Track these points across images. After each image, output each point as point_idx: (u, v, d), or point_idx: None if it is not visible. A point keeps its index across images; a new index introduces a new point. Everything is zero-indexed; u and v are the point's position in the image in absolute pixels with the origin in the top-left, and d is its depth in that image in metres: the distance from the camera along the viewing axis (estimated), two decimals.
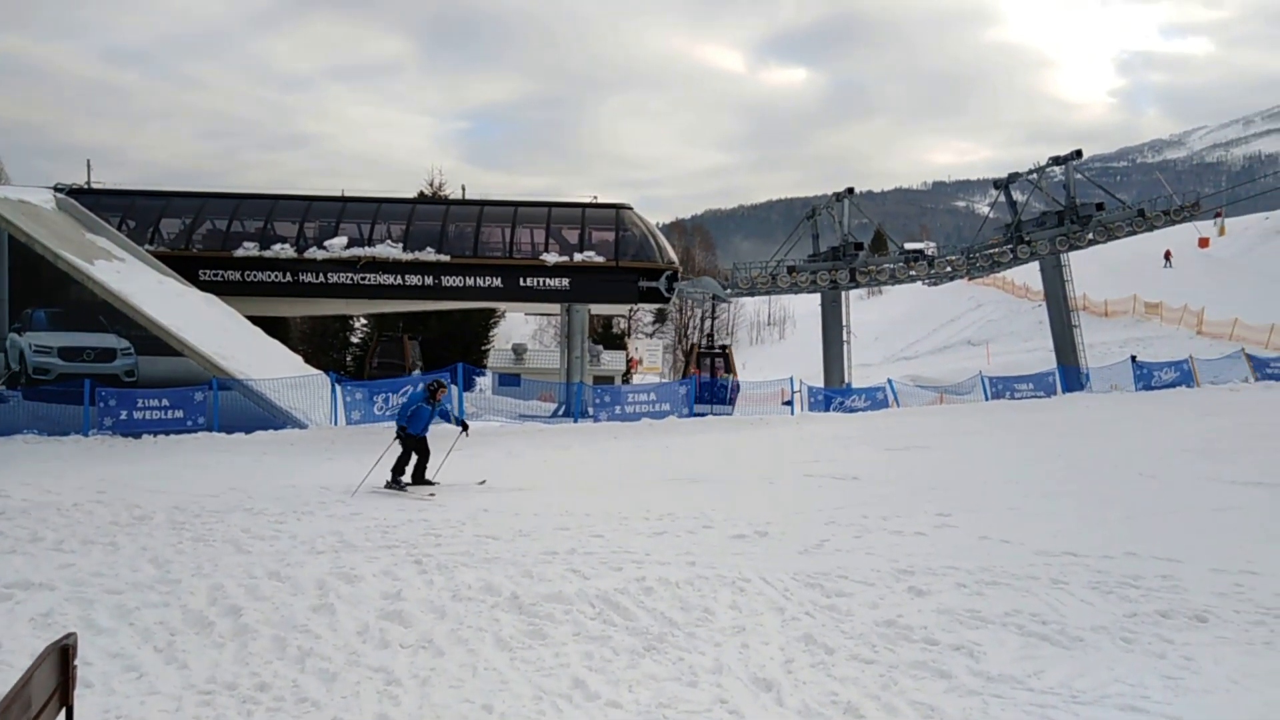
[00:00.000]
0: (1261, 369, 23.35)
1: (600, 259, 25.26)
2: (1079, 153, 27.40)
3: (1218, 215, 57.57)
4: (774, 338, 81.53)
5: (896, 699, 4.66)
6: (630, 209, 26.66)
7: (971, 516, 8.93)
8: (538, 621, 5.76)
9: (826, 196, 30.74)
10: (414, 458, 11.19)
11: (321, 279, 24.99)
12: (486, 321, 44.16)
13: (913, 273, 29.16)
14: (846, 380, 29.61)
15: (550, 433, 17.76)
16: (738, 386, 23.37)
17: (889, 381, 23.71)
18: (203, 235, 25.87)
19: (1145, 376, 23.21)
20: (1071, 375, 24.83)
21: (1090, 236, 26.93)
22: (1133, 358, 24.70)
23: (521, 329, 62.89)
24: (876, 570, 6.91)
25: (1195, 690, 4.69)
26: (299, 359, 22.46)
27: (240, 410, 16.97)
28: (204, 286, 22.48)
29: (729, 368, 27.01)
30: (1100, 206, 27.19)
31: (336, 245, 24.85)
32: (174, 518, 8.95)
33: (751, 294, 30.19)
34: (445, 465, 11.45)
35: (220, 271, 24.53)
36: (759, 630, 5.64)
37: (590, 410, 19.62)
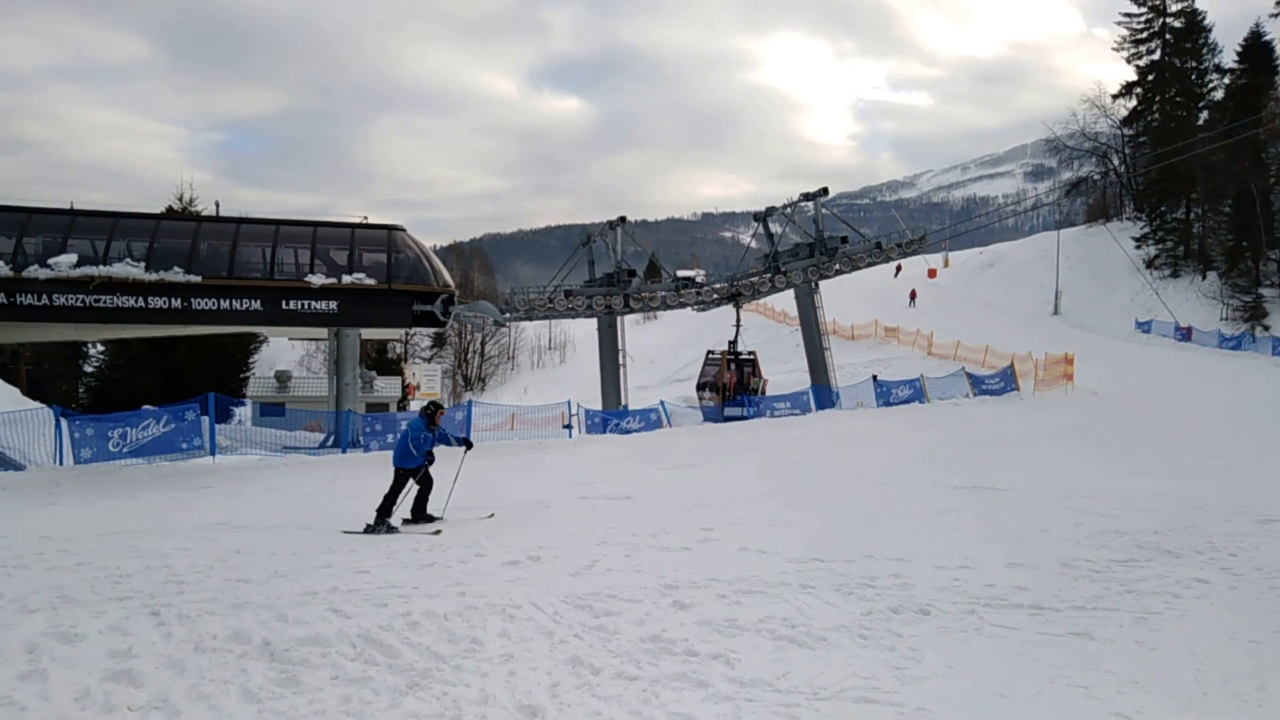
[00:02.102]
0: (978, 385, 26.55)
1: (371, 281, 24.33)
2: (825, 190, 29.97)
3: (944, 248, 65.16)
4: (555, 361, 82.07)
5: (656, 712, 4.82)
6: (403, 230, 25.93)
7: (733, 530, 9.42)
8: (291, 668, 5.40)
9: (602, 224, 31.56)
10: (407, 491, 10.40)
11: (45, 301, 22.17)
12: (246, 347, 41.15)
13: (682, 299, 30.48)
14: (623, 402, 30.39)
15: (316, 465, 16.81)
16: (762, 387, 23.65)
17: (661, 403, 24.59)
18: None
19: (885, 394, 25.67)
20: (823, 394, 26.96)
21: (837, 267, 29.50)
22: (874, 377, 27.25)
23: (288, 355, 59.13)
24: (644, 587, 7.12)
25: (918, 678, 5.21)
26: (15, 391, 19.76)
27: None
28: None
29: (756, 372, 26.68)
30: (845, 239, 29.86)
31: (64, 263, 22.17)
32: None
33: (529, 318, 30.31)
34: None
35: None
36: (527, 656, 5.62)
37: (361, 439, 18.76)
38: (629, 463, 16.95)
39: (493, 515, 10.80)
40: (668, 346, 66.46)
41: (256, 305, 23.70)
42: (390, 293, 24.53)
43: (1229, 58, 58.13)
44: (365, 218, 26.63)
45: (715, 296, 31.42)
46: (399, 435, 11.63)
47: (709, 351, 28.03)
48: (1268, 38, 57.48)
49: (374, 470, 15.92)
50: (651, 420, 23.48)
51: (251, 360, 43.99)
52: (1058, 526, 9.29)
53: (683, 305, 32.16)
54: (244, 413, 33.27)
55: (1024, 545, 8.45)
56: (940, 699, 4.85)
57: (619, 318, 30.79)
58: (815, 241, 29.78)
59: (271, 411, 33.84)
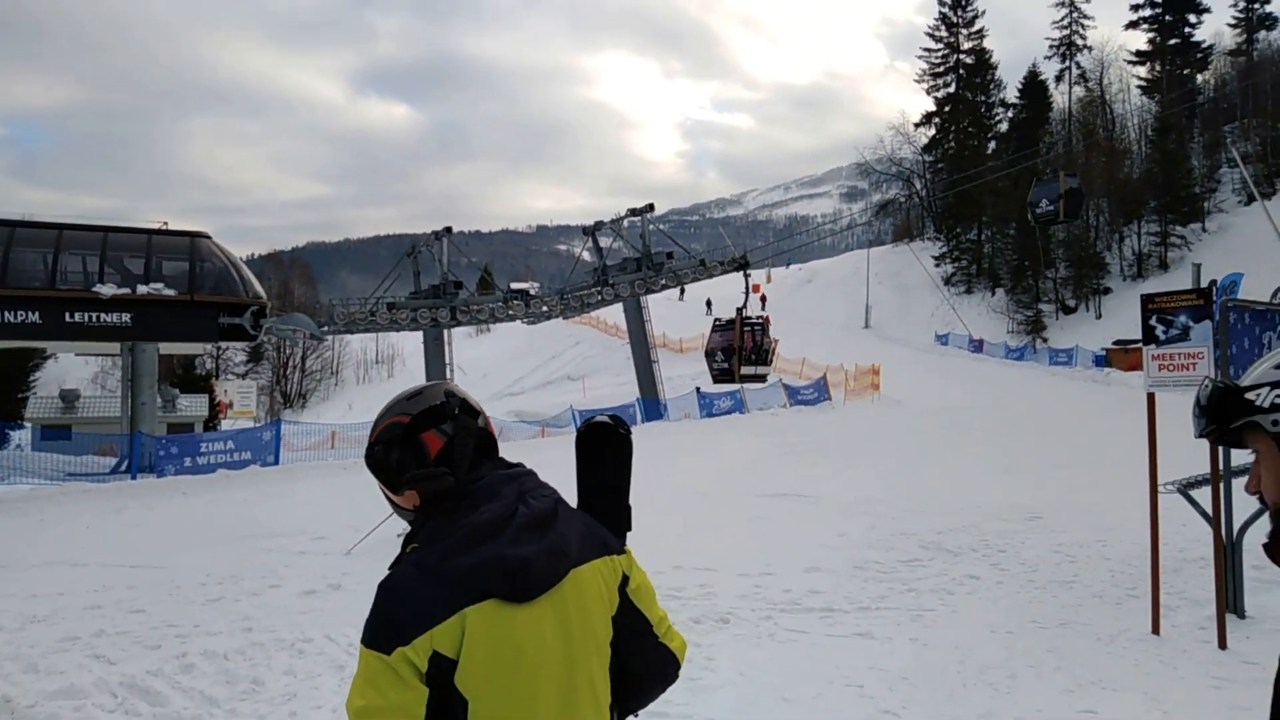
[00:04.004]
0: (794, 396, 27.86)
1: (172, 292, 22.61)
2: (651, 206, 30.64)
3: (768, 265, 68.16)
4: (383, 376, 79.18)
5: None
6: (208, 237, 24.27)
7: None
8: None
9: (428, 235, 30.83)
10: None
11: None
12: (26, 364, 37.20)
13: (511, 312, 30.22)
14: None
15: (100, 494, 15.35)
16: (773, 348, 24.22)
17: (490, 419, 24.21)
18: None
19: (708, 405, 26.45)
20: (651, 406, 27.45)
21: (663, 281, 30.17)
22: (697, 389, 28.04)
23: (79, 372, 53.94)
24: None
25: (710, 687, 5.33)
26: None
27: None
28: None
29: (767, 333, 26.45)
30: (670, 255, 30.61)
31: None
32: None
33: (350, 331, 29.10)
34: None
35: None
36: (312, 695, 5.32)
37: (154, 464, 17.34)
38: None
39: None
40: (500, 360, 65.72)
41: (34, 318, 21.48)
42: (193, 304, 22.88)
43: (1012, 93, 64.47)
44: (165, 223, 24.77)
45: (545, 309, 31.34)
46: None
47: (715, 319, 28.31)
48: (1043, 76, 64.09)
49: (168, 497, 14.75)
50: None
51: (33, 379, 39.81)
52: (854, 530, 9.84)
53: (513, 318, 31.89)
54: (22, 437, 30.02)
55: (823, 550, 8.88)
56: (728, 708, 4.98)
57: (446, 331, 30.13)
58: (643, 256, 30.35)
59: (56, 435, 30.69)
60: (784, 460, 17.08)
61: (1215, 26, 62.92)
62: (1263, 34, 61.38)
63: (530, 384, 56.00)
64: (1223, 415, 1.36)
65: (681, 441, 21.18)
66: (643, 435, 23.18)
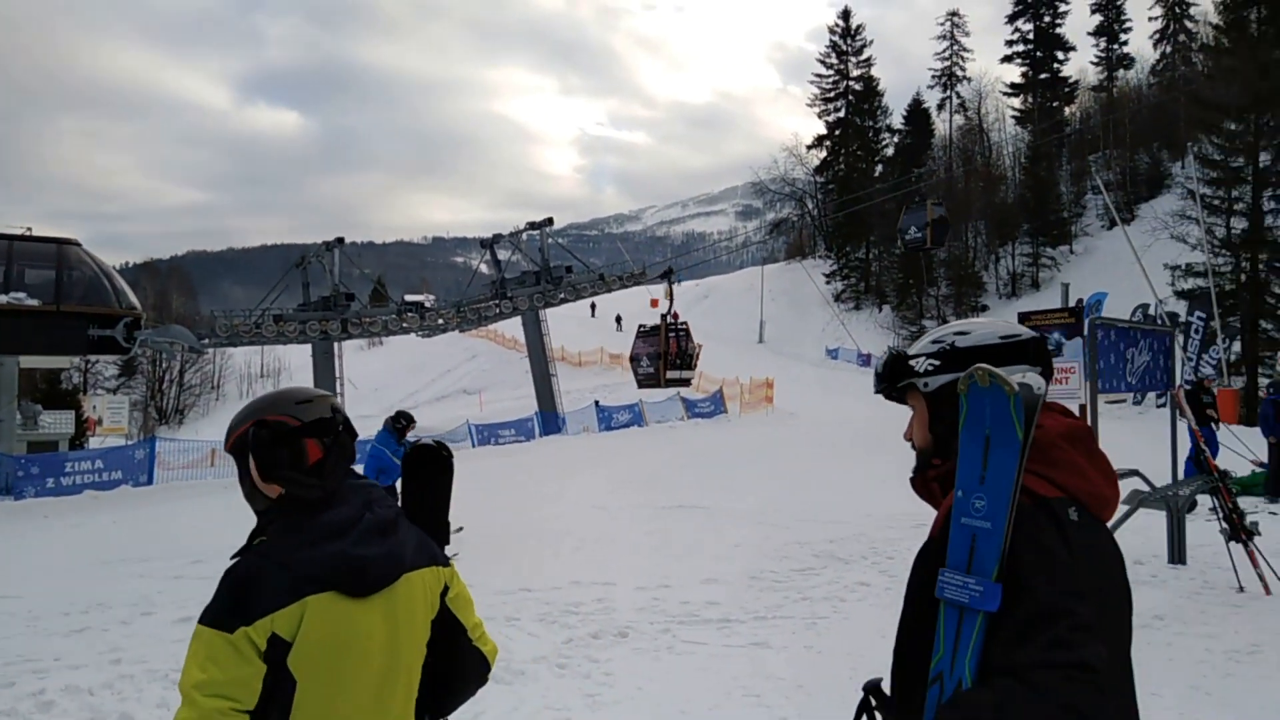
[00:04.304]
0: (692, 409, 28.18)
1: (35, 302, 21.14)
2: (550, 220, 30.55)
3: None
4: (268, 390, 76.13)
5: None
6: (78, 245, 22.82)
7: None
8: None
9: (319, 245, 29.88)
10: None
11: None
12: None
13: (405, 324, 29.56)
14: None
15: None
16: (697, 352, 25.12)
17: None
18: None
19: (607, 419, 26.46)
20: (550, 419, 27.27)
21: (562, 295, 30.10)
22: (596, 403, 28.03)
23: None
24: None
25: (608, 703, 5.29)
26: None
27: None
28: None
29: (689, 337, 26.13)
30: (569, 269, 30.57)
31: None
32: None
33: (233, 344, 27.87)
34: None
35: None
36: None
37: (10, 485, 16.11)
38: None
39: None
40: (394, 373, 64.10)
41: None
42: (60, 315, 21.47)
43: (898, 120, 67.38)
44: (29, 229, 23.20)
45: (440, 322, 30.79)
46: (365, 458, 10.44)
47: (640, 325, 28.87)
48: (926, 105, 67.27)
49: (28, 521, 13.73)
50: (368, 453, 22.36)
51: None
52: (750, 540, 9.98)
53: (407, 331, 31.19)
54: None
55: (720, 561, 8.97)
56: None
57: (337, 344, 29.20)
58: (541, 270, 30.20)
59: None
60: (681, 473, 17.23)
61: (1081, 64, 67.54)
62: (1121, 72, 66.17)
63: (424, 398, 54.82)
64: (892, 377, 1.73)
65: (580, 455, 21.10)
66: (541, 449, 23.13)
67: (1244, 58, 32.15)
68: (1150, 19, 65.54)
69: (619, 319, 58.68)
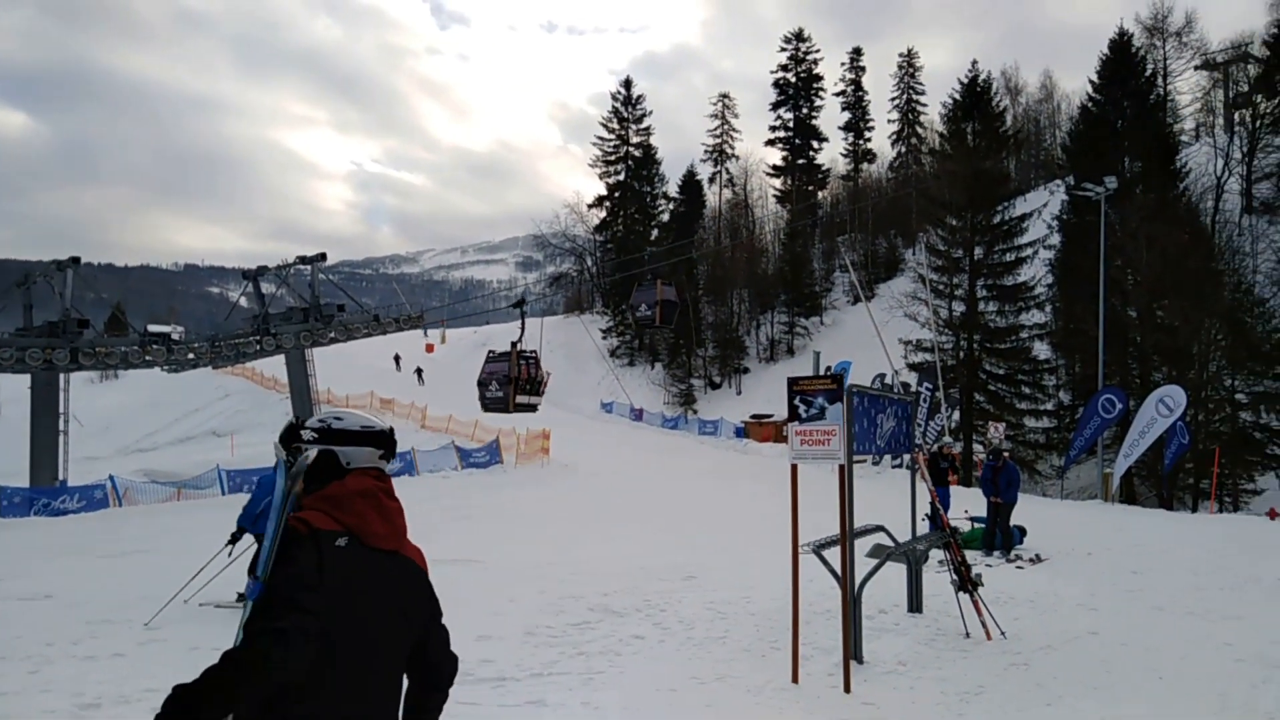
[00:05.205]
0: (466, 458, 27.61)
1: None
2: (323, 255, 29.18)
3: (442, 324, 67.67)
4: None
5: None
6: None
7: (184, 628, 8.27)
8: None
9: (49, 264, 26.60)
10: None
11: None
12: None
13: (149, 357, 26.86)
14: (61, 477, 25.48)
15: None
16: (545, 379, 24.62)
17: (111, 477, 21.08)
18: None
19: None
20: None
21: (332, 335, 28.67)
22: None
23: None
24: (52, 712, 5.81)
25: None
26: None
27: None
28: None
29: (539, 365, 24.30)
30: (341, 308, 29.25)
31: None
32: None
33: None
34: None
35: None
36: None
37: None
38: (59, 552, 14.08)
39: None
40: (130, 411, 57.60)
41: None
42: None
43: (674, 188, 71.12)
44: None
45: (191, 356, 28.24)
46: (255, 488, 9.59)
47: (490, 350, 27.47)
48: (699, 177, 71.65)
49: None
50: (96, 499, 19.92)
51: None
52: (525, 595, 9.88)
53: (151, 364, 28.29)
54: None
55: (494, 617, 8.79)
56: None
57: (63, 375, 25.90)
58: (310, 306, 28.63)
59: None
60: (454, 524, 16.78)
61: (833, 154, 74.95)
62: (865, 165, 74.21)
63: (166, 439, 49.59)
64: (285, 440, 2.39)
65: None
66: None
67: (962, 164, 37.13)
68: (889, 121, 74.33)
69: (397, 358, 57.07)
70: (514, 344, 26.87)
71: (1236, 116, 52.63)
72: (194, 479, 23.69)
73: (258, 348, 28.45)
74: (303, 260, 29.26)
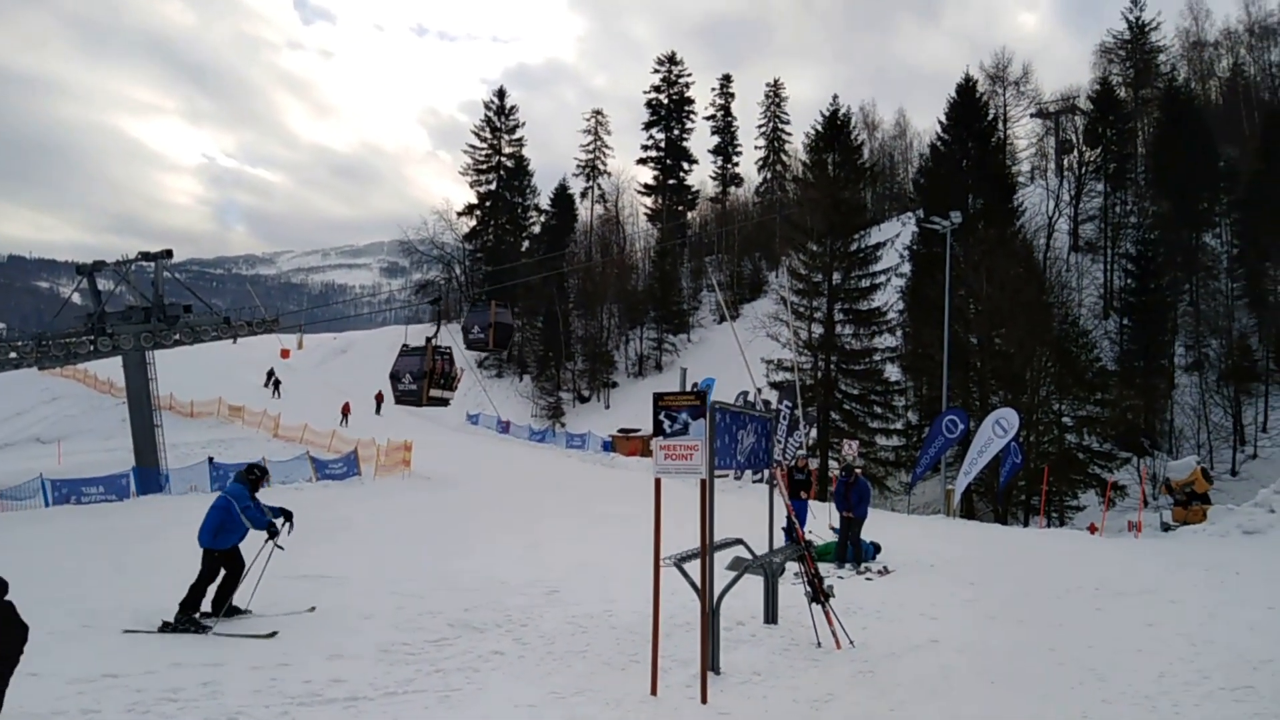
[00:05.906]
0: (322, 470, 26.49)
1: None
2: (169, 252, 27.46)
3: (299, 330, 64.74)
4: None
5: None
6: None
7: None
8: None
9: None
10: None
11: None
12: None
13: None
14: None
15: None
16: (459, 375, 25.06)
17: None
18: None
19: (221, 477, 23.86)
20: (150, 476, 23.97)
21: (177, 336, 26.96)
22: (210, 459, 25.24)
23: None
24: None
25: None
26: None
27: None
28: None
29: (453, 361, 26.01)
30: (188, 308, 27.55)
31: None
32: None
33: None
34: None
35: None
36: None
37: None
38: None
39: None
40: None
41: None
42: None
43: (546, 200, 71.01)
44: None
45: (13, 355, 25.88)
46: (210, 510, 9.45)
47: (404, 345, 26.25)
48: (571, 191, 71.84)
49: None
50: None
51: None
52: (381, 611, 9.55)
53: None
54: None
55: (347, 634, 8.46)
56: None
57: None
58: (154, 306, 26.81)
59: None
60: (307, 538, 15.99)
61: (702, 176, 76.86)
62: (733, 188, 76.45)
63: None
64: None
65: (184, 517, 18.71)
66: (137, 509, 20.40)
67: (823, 192, 38.85)
68: (756, 147, 76.93)
69: (272, 375, 53.48)
70: (429, 339, 26.33)
71: (1065, 162, 57.55)
72: (12, 489, 21.66)
73: (91, 348, 26.36)
74: (146, 256, 27.37)
